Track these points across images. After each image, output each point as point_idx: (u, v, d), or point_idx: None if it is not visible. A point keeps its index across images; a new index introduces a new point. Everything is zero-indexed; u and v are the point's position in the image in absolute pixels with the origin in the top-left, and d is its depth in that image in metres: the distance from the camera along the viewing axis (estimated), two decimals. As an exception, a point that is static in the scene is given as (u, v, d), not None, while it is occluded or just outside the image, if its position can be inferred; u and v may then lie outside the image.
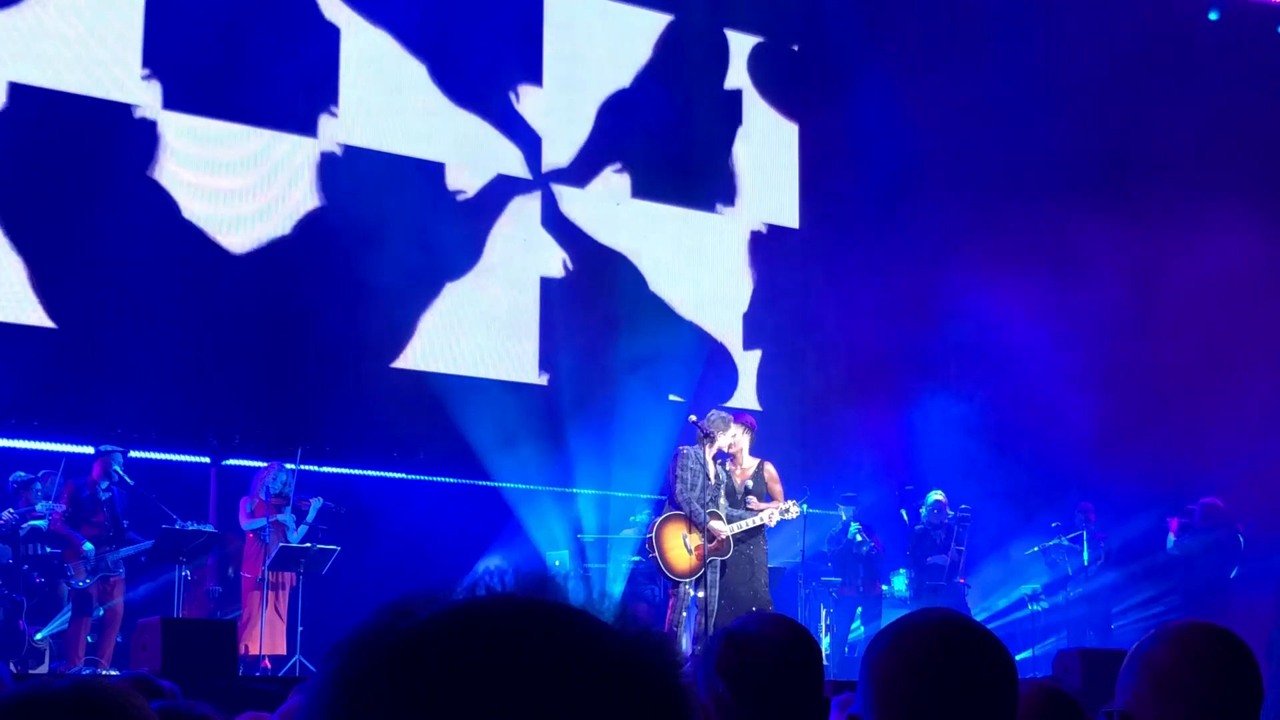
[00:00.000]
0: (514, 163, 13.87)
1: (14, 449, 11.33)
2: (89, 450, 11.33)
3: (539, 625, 0.83)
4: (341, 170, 13.03)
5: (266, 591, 10.83)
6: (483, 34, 13.64)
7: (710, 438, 9.99)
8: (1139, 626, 13.16)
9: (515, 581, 0.88)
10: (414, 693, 0.80)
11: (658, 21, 14.72)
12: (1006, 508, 14.07)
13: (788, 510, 10.12)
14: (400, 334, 13.08)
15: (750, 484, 10.25)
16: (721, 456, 10.17)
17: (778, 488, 10.32)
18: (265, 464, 11.42)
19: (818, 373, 15.02)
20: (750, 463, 10.32)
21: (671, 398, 10.11)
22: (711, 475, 10.00)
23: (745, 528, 9.95)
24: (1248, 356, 15.05)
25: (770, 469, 10.39)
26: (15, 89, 11.83)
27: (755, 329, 14.93)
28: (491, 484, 13.06)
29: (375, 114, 13.30)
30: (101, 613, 10.46)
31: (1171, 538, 13.16)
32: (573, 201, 14.14)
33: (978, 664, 1.88)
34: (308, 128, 12.96)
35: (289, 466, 11.33)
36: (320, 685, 0.84)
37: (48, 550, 10.56)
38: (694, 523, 9.87)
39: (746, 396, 14.54)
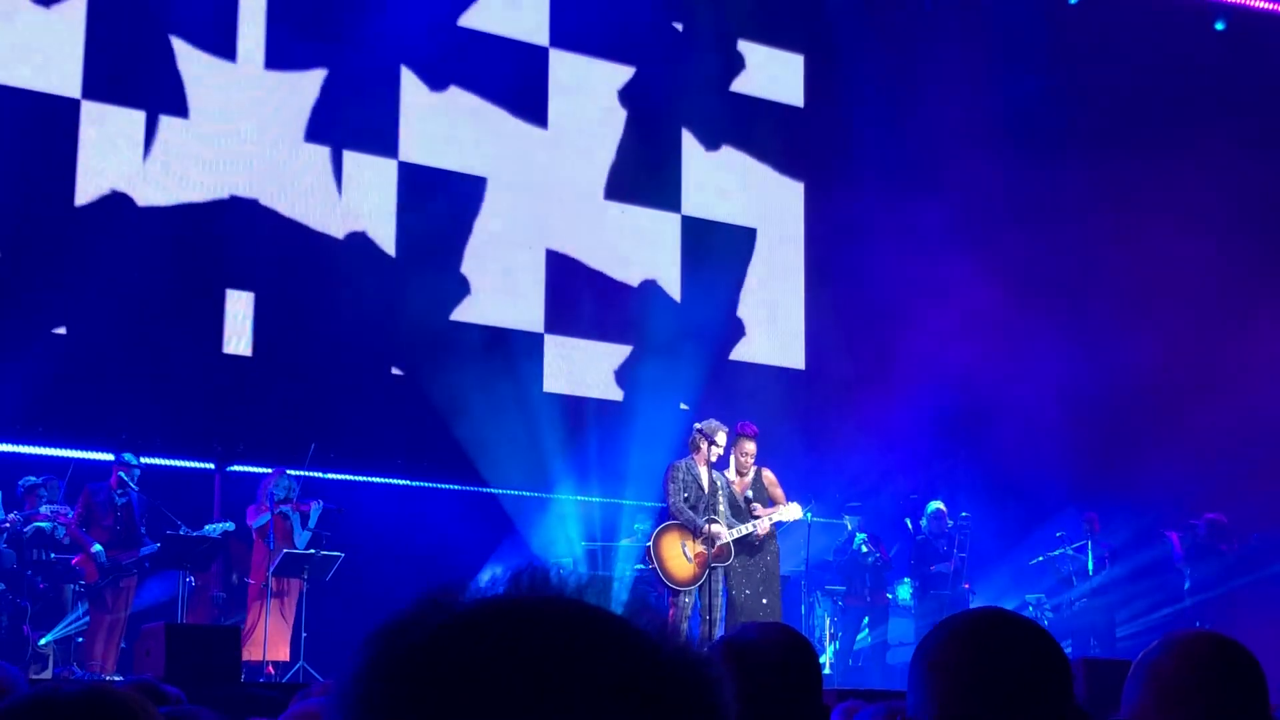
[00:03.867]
0: (520, 172, 13.90)
1: (18, 454, 11.35)
2: (91, 456, 11.37)
3: (585, 630, 0.81)
4: (346, 177, 13.04)
5: (270, 598, 10.83)
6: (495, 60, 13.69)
7: (708, 443, 9.97)
8: (1144, 636, 13.14)
9: (555, 581, 0.86)
10: (454, 686, 0.78)
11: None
12: (1011, 516, 14.06)
13: (783, 513, 10.10)
14: (405, 337, 13.07)
15: (750, 493, 10.24)
16: (720, 465, 10.15)
17: (778, 491, 10.32)
18: (270, 470, 11.42)
19: (820, 381, 14.99)
20: (750, 471, 10.32)
21: (682, 406, 10.16)
22: (705, 484, 9.97)
23: (745, 533, 9.94)
24: (1249, 362, 15.03)
25: (768, 474, 10.39)
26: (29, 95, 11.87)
27: (758, 335, 14.92)
28: (494, 491, 13.06)
29: (364, 124, 13.27)
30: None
31: (1176, 551, 13.17)
32: (574, 204, 14.16)
33: (1034, 657, 1.89)
34: (311, 135, 12.96)
35: (291, 472, 11.32)
36: (356, 674, 0.81)
37: (52, 556, 10.59)
38: (691, 529, 9.86)
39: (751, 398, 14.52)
